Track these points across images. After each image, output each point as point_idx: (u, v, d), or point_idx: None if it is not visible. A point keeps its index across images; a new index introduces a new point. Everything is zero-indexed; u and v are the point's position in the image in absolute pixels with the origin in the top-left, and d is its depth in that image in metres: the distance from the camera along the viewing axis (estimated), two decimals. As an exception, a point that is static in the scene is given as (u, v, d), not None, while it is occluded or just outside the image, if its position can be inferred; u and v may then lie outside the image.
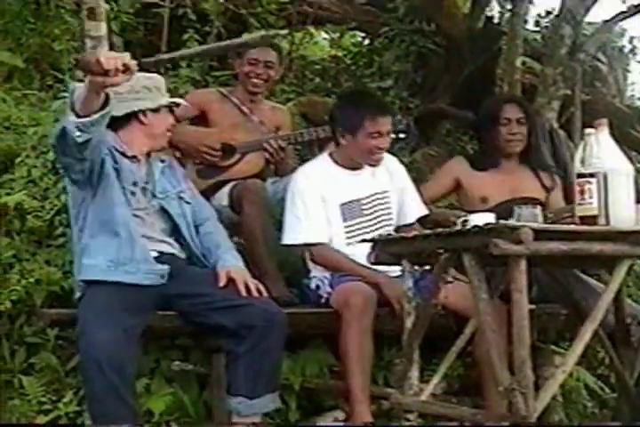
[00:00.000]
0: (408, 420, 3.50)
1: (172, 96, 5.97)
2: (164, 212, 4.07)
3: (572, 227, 3.15)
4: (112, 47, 5.29)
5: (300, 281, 4.53)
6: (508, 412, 3.01)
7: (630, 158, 3.41)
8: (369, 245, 3.71)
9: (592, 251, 3.03)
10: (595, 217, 3.18)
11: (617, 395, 4.08)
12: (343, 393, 4.08)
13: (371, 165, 4.46)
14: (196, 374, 4.23)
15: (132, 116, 4.08)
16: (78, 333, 3.63)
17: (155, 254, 3.92)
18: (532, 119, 4.76)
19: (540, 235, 2.92)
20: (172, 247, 4.05)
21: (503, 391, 2.98)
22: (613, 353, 3.76)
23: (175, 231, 4.10)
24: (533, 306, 3.81)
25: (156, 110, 4.11)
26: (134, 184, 3.99)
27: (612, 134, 3.29)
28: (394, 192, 4.53)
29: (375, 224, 4.43)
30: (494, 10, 8.23)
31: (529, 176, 4.73)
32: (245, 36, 6.40)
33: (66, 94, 5.72)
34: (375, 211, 4.45)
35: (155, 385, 4.14)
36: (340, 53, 8.66)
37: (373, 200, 4.47)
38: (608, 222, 3.16)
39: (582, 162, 3.24)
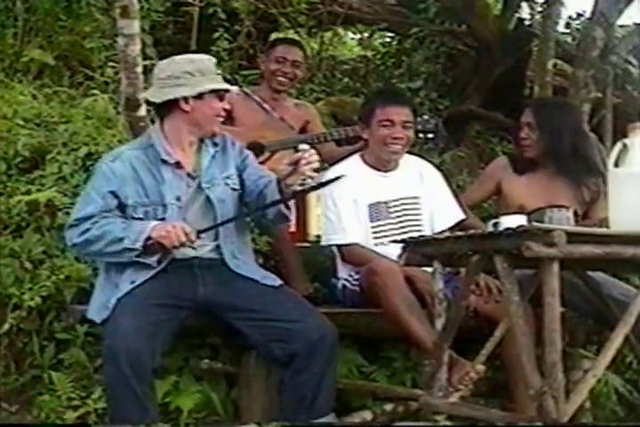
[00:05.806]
0: (436, 421, 3.49)
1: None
2: (208, 201, 3.85)
3: (606, 230, 3.14)
4: (142, 45, 5.28)
5: (328, 280, 4.53)
6: (537, 415, 3.00)
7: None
8: (398, 246, 3.70)
9: (626, 254, 2.99)
10: (630, 220, 3.15)
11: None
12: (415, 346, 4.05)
13: (387, 164, 4.48)
14: (224, 372, 4.24)
15: (173, 104, 3.82)
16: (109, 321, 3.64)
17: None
18: (546, 124, 4.51)
19: (572, 238, 2.89)
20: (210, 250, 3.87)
21: (534, 394, 2.97)
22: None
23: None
24: (563, 309, 3.80)
25: (198, 96, 3.81)
26: (178, 199, 3.81)
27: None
28: (425, 199, 4.49)
29: (400, 228, 4.39)
30: (525, 11, 8.20)
31: (568, 187, 4.48)
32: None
33: (96, 91, 5.76)
34: (401, 215, 4.43)
35: (183, 383, 4.14)
36: (369, 53, 8.68)
37: (401, 204, 4.44)
38: (643, 226, 3.13)
39: (616, 165, 3.23)
